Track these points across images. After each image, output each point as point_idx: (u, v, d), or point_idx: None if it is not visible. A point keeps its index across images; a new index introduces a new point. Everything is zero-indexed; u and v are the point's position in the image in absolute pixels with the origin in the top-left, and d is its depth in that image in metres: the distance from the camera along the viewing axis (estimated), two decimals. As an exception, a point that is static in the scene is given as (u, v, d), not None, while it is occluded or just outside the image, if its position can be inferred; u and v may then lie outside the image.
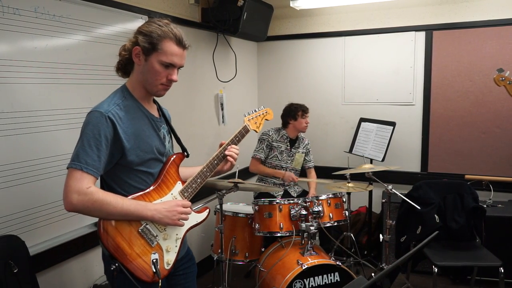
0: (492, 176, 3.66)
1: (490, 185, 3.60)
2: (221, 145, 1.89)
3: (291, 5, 3.73)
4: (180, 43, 1.61)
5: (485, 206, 3.37)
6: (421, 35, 3.84)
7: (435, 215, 3.08)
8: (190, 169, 1.86)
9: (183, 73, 3.30)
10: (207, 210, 1.85)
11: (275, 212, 2.84)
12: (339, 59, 4.18)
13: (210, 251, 3.24)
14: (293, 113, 3.60)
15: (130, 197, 1.59)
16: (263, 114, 2.05)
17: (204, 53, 3.57)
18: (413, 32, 3.85)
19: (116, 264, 1.51)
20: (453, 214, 3.13)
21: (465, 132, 3.74)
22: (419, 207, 2.96)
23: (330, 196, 2.94)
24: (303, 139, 3.75)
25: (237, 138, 1.90)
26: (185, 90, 3.37)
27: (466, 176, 3.69)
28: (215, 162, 1.83)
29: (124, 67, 1.68)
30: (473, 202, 3.12)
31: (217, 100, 3.80)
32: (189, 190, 1.76)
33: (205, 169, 1.80)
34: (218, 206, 2.85)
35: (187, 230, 1.76)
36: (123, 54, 1.66)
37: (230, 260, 3.01)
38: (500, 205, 3.49)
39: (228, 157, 1.87)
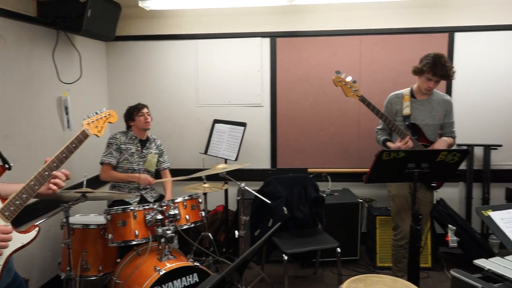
0: (329, 168, 4.15)
1: (328, 176, 4.09)
2: (45, 162, 1.67)
3: (140, 5, 3.63)
4: None
5: (324, 195, 3.80)
6: (267, 41, 4.13)
7: (284, 207, 3.36)
8: (15, 185, 1.63)
9: (16, 73, 2.95)
10: (36, 229, 1.67)
11: (129, 220, 2.74)
12: (192, 62, 4.23)
13: (58, 270, 2.96)
14: (130, 114, 3.53)
15: None
16: (105, 116, 1.93)
17: (42, 51, 3.23)
18: (259, 38, 4.12)
19: None
20: (299, 205, 3.45)
21: (306, 130, 4.15)
22: (269, 201, 3.18)
23: (186, 198, 2.95)
24: (155, 140, 3.68)
25: (73, 145, 1.74)
26: (20, 92, 3.00)
27: (309, 170, 4.13)
28: (35, 182, 1.61)
29: None
30: (314, 193, 3.49)
31: (60, 104, 3.47)
32: (11, 208, 1.55)
33: (32, 182, 1.61)
34: (65, 220, 2.61)
35: (10, 255, 1.56)
36: None
37: (82, 277, 2.79)
38: (336, 193, 3.98)
39: (51, 185, 1.67)
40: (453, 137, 3.19)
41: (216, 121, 4.10)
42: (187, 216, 2.90)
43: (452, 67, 2.97)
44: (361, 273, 3.36)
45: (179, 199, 2.92)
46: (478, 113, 4.03)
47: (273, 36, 4.10)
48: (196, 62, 4.22)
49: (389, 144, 3.09)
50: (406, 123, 3.07)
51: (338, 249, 3.11)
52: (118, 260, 2.93)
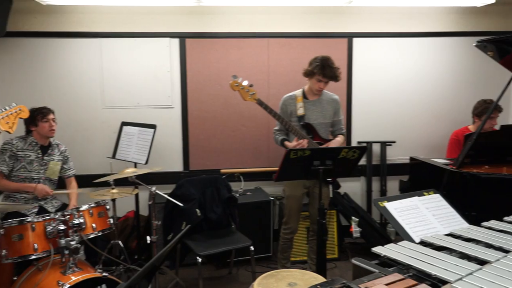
0: (242, 168, 4.22)
1: (241, 176, 4.15)
2: None
3: (34, -1, 3.35)
4: None
5: (237, 195, 3.86)
6: (176, 41, 4.06)
7: (197, 210, 3.33)
8: None
9: None
10: None
11: (27, 233, 2.51)
12: (97, 61, 4.00)
13: None
14: (33, 118, 3.22)
15: None
16: (16, 112, 1.76)
17: None
18: (168, 39, 4.04)
19: None
20: (212, 206, 3.46)
21: (218, 131, 4.17)
22: (181, 204, 3.13)
23: (92, 205, 2.79)
24: (58, 145, 3.43)
25: None
26: None
27: (222, 171, 4.15)
28: None
29: None
30: (227, 193, 3.52)
31: None
32: None
33: None
34: None
35: None
36: None
37: (-30, 299, 2.50)
38: (249, 193, 4.06)
39: None
40: (343, 134, 3.47)
41: (124, 124, 3.93)
42: (93, 225, 2.74)
43: (338, 68, 3.23)
44: (274, 269, 3.46)
45: (84, 207, 2.75)
46: (375, 113, 4.38)
47: (182, 37, 4.05)
48: (101, 62, 4.00)
49: (286, 143, 3.29)
50: (301, 123, 3.27)
51: (252, 248, 3.17)
52: (15, 278, 2.68)
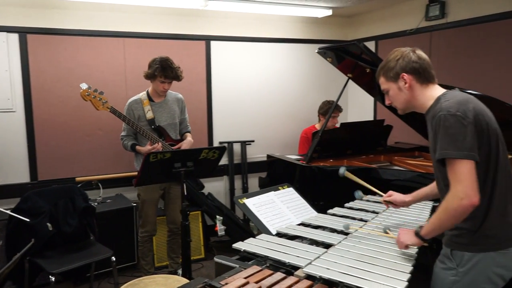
0: (100, 175, 3.96)
1: (100, 184, 3.89)
2: None
3: None
4: None
5: (95, 204, 3.61)
6: (15, 37, 3.60)
7: (48, 223, 3.01)
8: None
9: None
10: None
11: None
12: None
13: None
14: None
15: None
16: None
17: None
18: (5, 33, 3.56)
19: None
20: (66, 218, 3.16)
21: (71, 136, 3.83)
22: (28, 220, 2.80)
23: None
24: None
25: None
26: None
27: (77, 179, 3.83)
28: None
29: None
30: (83, 203, 3.26)
31: None
32: None
33: None
34: None
35: None
36: None
37: None
38: (109, 200, 3.83)
39: None
40: (189, 132, 3.56)
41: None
42: None
43: (179, 68, 3.25)
44: (138, 277, 3.34)
45: None
46: (235, 113, 4.56)
47: (23, 32, 3.60)
48: None
49: (139, 148, 3.24)
50: (152, 126, 3.25)
51: (113, 258, 3.01)
52: None
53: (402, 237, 1.72)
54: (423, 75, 1.69)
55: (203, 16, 4.27)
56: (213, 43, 4.35)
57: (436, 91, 1.69)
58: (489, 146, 1.55)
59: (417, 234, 1.66)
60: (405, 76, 1.69)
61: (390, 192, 2.10)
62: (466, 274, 1.58)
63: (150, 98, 3.30)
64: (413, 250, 1.72)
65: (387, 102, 1.84)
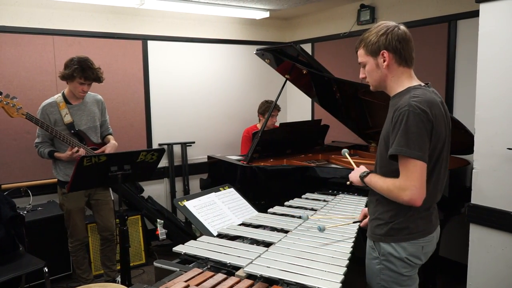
0: (30, 181, 3.71)
1: (29, 191, 3.65)
2: None
3: None
4: None
5: (25, 212, 3.39)
6: None
7: (-31, 236, 2.77)
8: None
9: None
10: None
11: None
12: None
13: None
14: None
15: None
16: None
17: None
18: None
19: None
20: (-10, 229, 2.93)
21: (-5, 140, 3.56)
22: None
23: None
24: None
25: None
26: None
27: (3, 186, 3.56)
28: None
29: None
30: (11, 212, 3.04)
31: None
32: None
33: None
34: None
35: None
36: None
37: None
38: (40, 208, 3.60)
39: None
40: (111, 134, 3.38)
41: None
42: None
43: (99, 68, 3.06)
44: (74, 287, 3.19)
45: None
46: (174, 114, 4.49)
47: None
48: None
49: (58, 154, 3.02)
50: (72, 131, 3.03)
51: (46, 269, 2.84)
52: None
53: (352, 173, 1.84)
54: (403, 57, 1.64)
55: (140, 15, 4.15)
56: (150, 43, 4.24)
57: (410, 79, 1.67)
58: (434, 151, 1.60)
59: (361, 177, 1.76)
60: (386, 54, 1.63)
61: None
62: (386, 261, 1.69)
63: (66, 101, 3.05)
64: (349, 245, 1.80)
65: (361, 76, 1.76)
